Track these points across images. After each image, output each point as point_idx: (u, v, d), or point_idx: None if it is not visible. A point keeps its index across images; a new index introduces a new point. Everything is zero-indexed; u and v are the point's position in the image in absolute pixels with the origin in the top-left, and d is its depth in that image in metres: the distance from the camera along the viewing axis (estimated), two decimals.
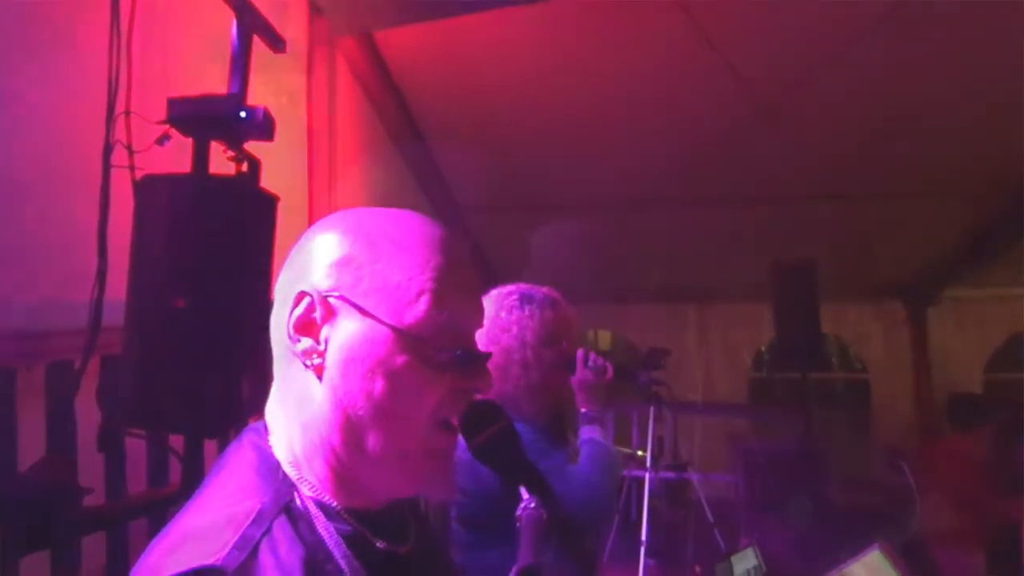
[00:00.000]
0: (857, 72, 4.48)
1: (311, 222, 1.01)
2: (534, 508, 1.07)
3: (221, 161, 2.45)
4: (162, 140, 2.39)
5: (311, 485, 0.92)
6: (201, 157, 2.36)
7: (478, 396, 0.99)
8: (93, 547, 2.52)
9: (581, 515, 2.09)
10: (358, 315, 0.91)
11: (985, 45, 4.18)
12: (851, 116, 4.89)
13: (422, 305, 0.91)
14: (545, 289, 2.31)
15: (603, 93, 4.85)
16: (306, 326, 0.92)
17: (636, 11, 4.25)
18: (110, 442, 2.53)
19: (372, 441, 0.91)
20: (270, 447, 0.95)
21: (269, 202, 2.51)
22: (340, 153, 4.15)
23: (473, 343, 0.99)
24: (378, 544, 0.93)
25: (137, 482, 2.72)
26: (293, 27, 3.81)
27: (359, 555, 0.90)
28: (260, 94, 3.17)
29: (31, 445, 2.36)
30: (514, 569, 1.03)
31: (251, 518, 0.85)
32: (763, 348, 8.38)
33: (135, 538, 2.61)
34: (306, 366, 0.93)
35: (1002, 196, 5.85)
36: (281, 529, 0.85)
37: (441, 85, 5.00)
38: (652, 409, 4.57)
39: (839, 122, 4.95)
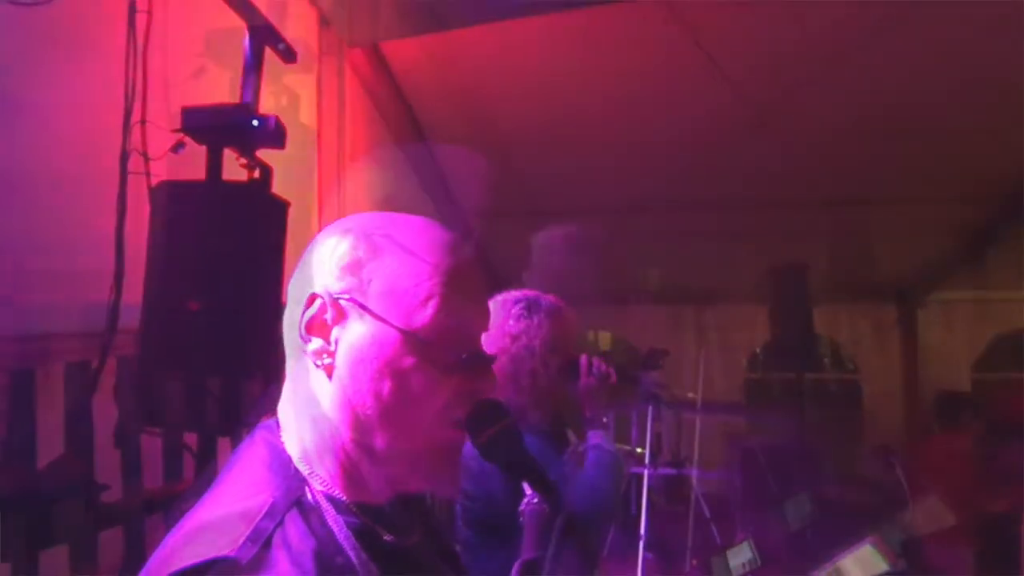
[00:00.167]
0: (851, 78, 4.46)
1: (321, 226, 1.01)
2: (537, 504, 1.07)
3: (234, 168, 2.46)
4: (177, 148, 2.40)
5: (321, 480, 0.92)
6: (214, 164, 2.37)
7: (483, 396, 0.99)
8: (110, 541, 2.52)
9: (587, 519, 2.08)
10: (368, 317, 0.91)
11: (978, 49, 4.15)
12: (845, 122, 4.88)
13: (430, 309, 0.91)
14: (549, 296, 2.31)
15: (602, 99, 4.85)
16: (317, 327, 0.93)
17: (634, 21, 4.26)
18: (126, 439, 2.54)
19: (380, 439, 0.92)
20: (282, 443, 0.95)
21: (280, 207, 2.52)
22: (349, 159, 4.16)
23: (479, 346, 0.99)
24: (386, 537, 0.93)
25: (153, 478, 2.73)
26: (303, 38, 3.81)
27: (367, 547, 0.90)
28: (271, 103, 3.18)
29: (49, 443, 2.36)
30: (517, 563, 1.03)
31: (264, 511, 0.85)
32: (758, 349, 8.38)
33: (151, 532, 2.62)
34: (317, 366, 0.93)
35: (989, 201, 5.85)
36: (293, 522, 0.86)
37: (445, 93, 5.01)
38: (650, 408, 4.57)
39: (833, 128, 4.94)
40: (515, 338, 2.21)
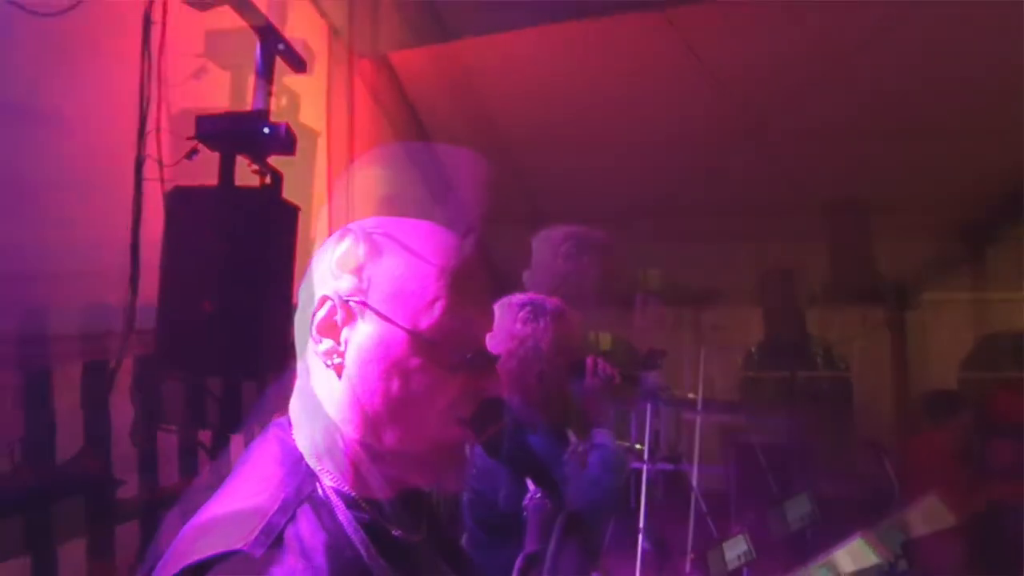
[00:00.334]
0: (849, 79, 4.45)
1: (331, 230, 1.01)
2: (540, 499, 1.07)
3: (246, 174, 2.46)
4: (191, 155, 2.40)
5: (332, 476, 0.92)
6: (227, 170, 2.37)
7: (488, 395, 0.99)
8: (127, 535, 2.52)
9: (590, 515, 2.08)
10: (376, 318, 0.91)
11: (978, 49, 4.12)
12: (844, 124, 4.87)
13: (436, 311, 0.91)
14: (553, 300, 2.31)
15: (603, 106, 4.86)
16: (328, 328, 0.93)
17: (633, 31, 4.26)
18: (141, 437, 2.54)
19: (388, 436, 0.92)
20: (293, 441, 0.95)
21: (291, 212, 2.52)
22: (357, 165, 4.16)
23: (484, 346, 0.99)
24: (394, 532, 0.93)
25: (168, 474, 2.73)
26: (314, 48, 3.82)
27: (376, 542, 0.90)
28: (282, 111, 3.18)
29: (68, 440, 2.37)
30: (521, 555, 1.03)
31: (276, 507, 0.85)
32: (753, 349, 8.36)
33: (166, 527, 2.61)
34: (327, 365, 0.93)
35: (976, 205, 5.84)
36: (304, 517, 0.86)
37: (450, 101, 5.02)
38: (649, 406, 4.58)
39: (831, 129, 4.93)
40: (522, 341, 2.21)
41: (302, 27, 3.63)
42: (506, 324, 2.21)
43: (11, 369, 2.22)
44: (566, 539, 1.28)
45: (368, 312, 0.92)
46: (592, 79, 4.65)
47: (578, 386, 2.30)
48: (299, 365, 0.99)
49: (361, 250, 0.94)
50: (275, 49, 2.61)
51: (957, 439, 4.59)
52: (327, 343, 0.93)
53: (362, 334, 0.92)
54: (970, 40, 4.09)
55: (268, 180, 2.52)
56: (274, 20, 2.72)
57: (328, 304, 0.93)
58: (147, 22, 2.49)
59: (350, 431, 0.93)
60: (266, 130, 2.42)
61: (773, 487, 5.41)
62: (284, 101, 3.43)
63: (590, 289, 2.43)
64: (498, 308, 2.22)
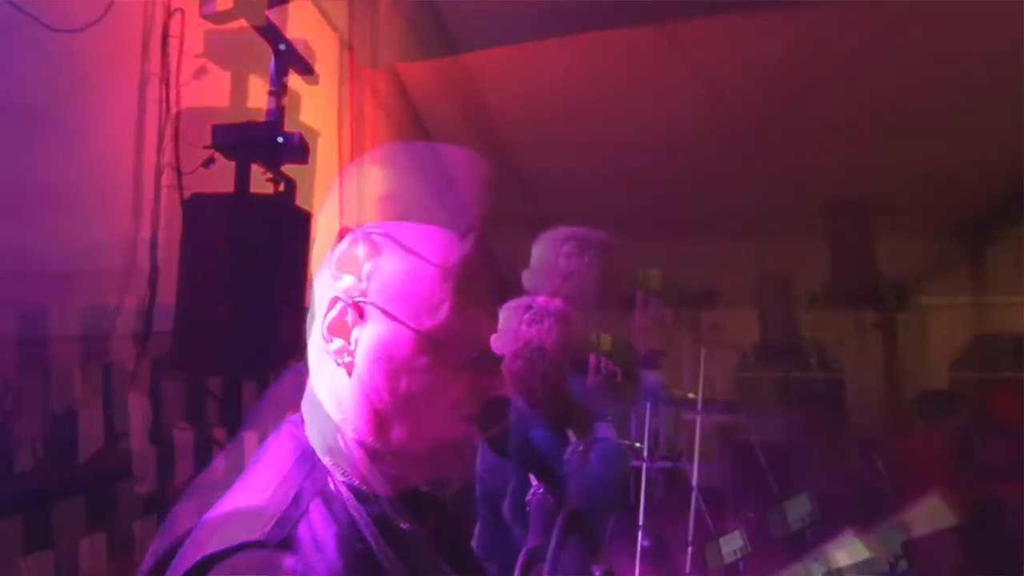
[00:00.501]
0: (848, 80, 4.43)
1: (341, 235, 1.02)
2: (543, 494, 1.07)
3: (260, 182, 2.47)
4: (208, 163, 2.42)
5: (343, 471, 0.92)
6: (243, 178, 2.38)
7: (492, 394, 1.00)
8: (146, 529, 2.53)
9: (592, 509, 2.09)
10: (385, 319, 0.92)
11: (978, 49, 4.10)
12: (843, 125, 4.86)
13: (442, 312, 0.92)
14: (557, 302, 2.32)
15: (602, 111, 4.87)
16: (338, 328, 0.93)
17: (633, 45, 4.27)
18: (161, 435, 2.55)
19: (397, 432, 0.93)
20: (306, 437, 0.96)
21: (304, 218, 2.53)
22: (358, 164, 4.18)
23: (488, 346, 1.00)
24: (402, 525, 0.94)
25: (185, 471, 2.74)
26: (326, 60, 3.83)
27: (385, 534, 0.90)
28: (295, 120, 3.19)
29: (90, 438, 2.37)
30: (523, 550, 1.03)
31: (290, 500, 0.86)
32: (748, 350, 8.34)
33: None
34: (338, 364, 0.94)
35: (976, 206, 5.82)
36: (317, 510, 0.86)
37: (455, 110, 5.03)
38: (648, 405, 4.57)
39: (831, 131, 4.92)
40: (527, 342, 2.22)
41: (313, 38, 3.64)
42: (511, 326, 2.22)
43: (35, 370, 2.23)
44: (568, 534, 1.29)
45: (377, 313, 0.92)
46: (593, 85, 4.66)
47: (581, 384, 2.31)
48: (311, 364, 1.00)
49: (369, 253, 0.95)
50: (287, 62, 2.63)
51: (950, 438, 4.58)
52: (338, 342, 0.93)
53: (371, 334, 0.92)
54: (970, 40, 4.05)
55: (282, 187, 2.53)
56: (286, 31, 2.73)
57: (339, 305, 0.93)
58: (165, 36, 2.51)
59: (359, 428, 0.93)
60: (280, 140, 2.43)
61: (771, 485, 5.40)
62: (296, 110, 3.44)
63: (591, 289, 2.43)
64: (504, 310, 2.23)
